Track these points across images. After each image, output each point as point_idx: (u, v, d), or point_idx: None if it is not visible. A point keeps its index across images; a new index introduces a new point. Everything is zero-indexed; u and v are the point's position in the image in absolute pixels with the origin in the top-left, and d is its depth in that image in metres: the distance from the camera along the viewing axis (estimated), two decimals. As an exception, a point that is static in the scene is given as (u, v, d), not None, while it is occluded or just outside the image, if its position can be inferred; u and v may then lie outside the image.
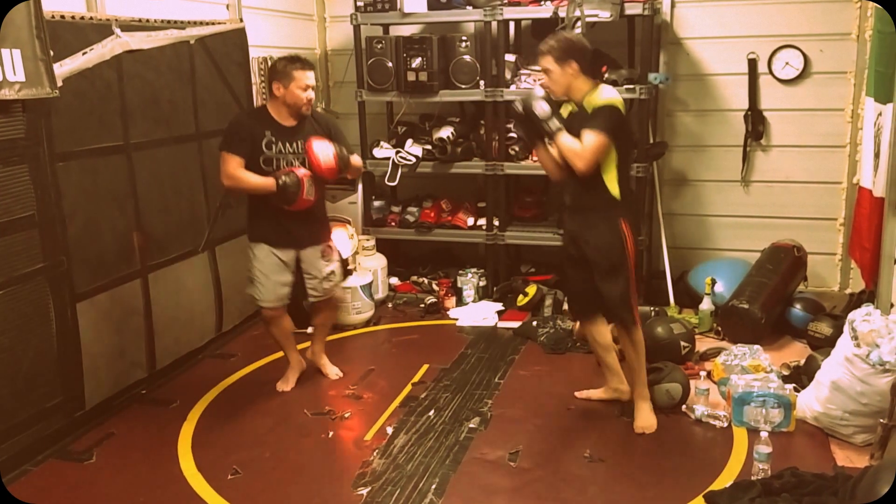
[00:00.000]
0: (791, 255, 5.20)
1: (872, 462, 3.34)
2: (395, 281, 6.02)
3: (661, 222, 5.75)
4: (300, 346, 4.60)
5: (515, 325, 5.26)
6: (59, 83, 3.55)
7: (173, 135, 4.52)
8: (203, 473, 3.54)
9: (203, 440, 3.86)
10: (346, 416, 4.10)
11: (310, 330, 5.15)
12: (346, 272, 5.33)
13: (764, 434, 3.41)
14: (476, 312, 5.50)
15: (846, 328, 3.69)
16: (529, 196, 5.99)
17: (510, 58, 5.47)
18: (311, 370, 4.61)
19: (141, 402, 4.29)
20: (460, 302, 5.70)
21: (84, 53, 3.83)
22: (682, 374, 4.09)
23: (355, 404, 4.24)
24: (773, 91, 5.59)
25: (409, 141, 5.78)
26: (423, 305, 5.67)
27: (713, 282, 5.17)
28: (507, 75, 5.42)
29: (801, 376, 4.16)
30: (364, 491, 3.37)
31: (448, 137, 5.67)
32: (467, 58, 5.45)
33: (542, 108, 3.58)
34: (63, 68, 3.67)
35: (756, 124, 5.63)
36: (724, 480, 3.36)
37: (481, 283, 5.77)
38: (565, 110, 3.74)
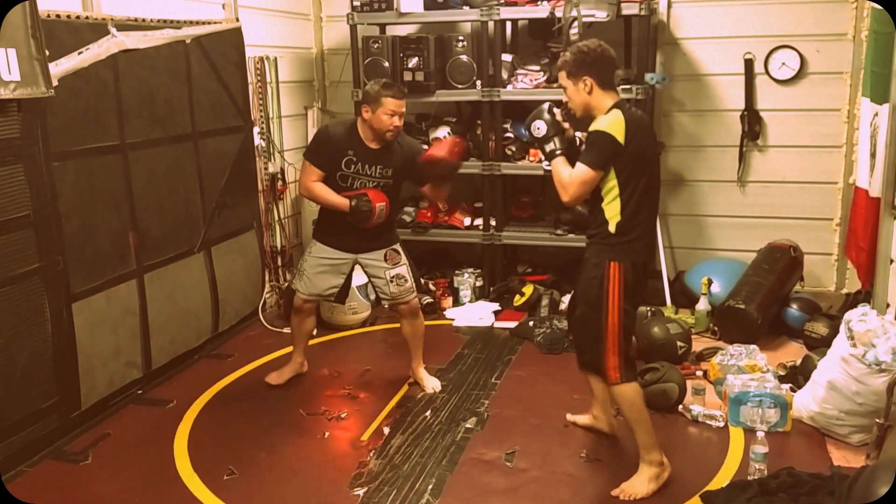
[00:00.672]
0: (787, 255, 5.21)
1: (869, 462, 3.34)
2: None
3: (658, 222, 5.74)
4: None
5: (512, 325, 5.26)
6: (55, 83, 3.54)
7: (169, 135, 4.50)
8: (199, 474, 3.54)
9: (199, 441, 3.85)
10: (343, 416, 4.09)
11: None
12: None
13: (760, 434, 3.42)
14: (473, 312, 5.50)
15: (842, 328, 3.70)
16: (526, 196, 5.99)
17: (507, 58, 5.47)
18: (307, 371, 4.61)
19: (137, 403, 4.28)
20: (457, 302, 5.70)
21: (80, 53, 3.81)
22: (678, 375, 4.10)
23: (351, 404, 4.23)
24: (770, 91, 5.59)
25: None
26: (419, 306, 5.65)
27: (710, 282, 5.18)
28: (504, 75, 5.42)
29: (797, 376, 4.16)
30: (360, 491, 3.37)
31: (445, 137, 5.66)
32: (464, 58, 5.44)
33: (537, 127, 3.37)
34: (59, 68, 3.65)
35: (752, 124, 5.64)
36: (721, 480, 3.37)
37: (478, 284, 5.77)
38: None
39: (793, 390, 3.91)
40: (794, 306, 4.99)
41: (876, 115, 4.55)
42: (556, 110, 3.41)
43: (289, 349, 4.67)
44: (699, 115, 5.79)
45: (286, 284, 5.56)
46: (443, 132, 5.67)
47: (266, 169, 5.55)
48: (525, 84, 5.37)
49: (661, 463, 3.34)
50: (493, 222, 5.70)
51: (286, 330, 5.16)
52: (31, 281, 3.66)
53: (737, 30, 5.56)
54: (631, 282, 3.24)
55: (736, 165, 5.75)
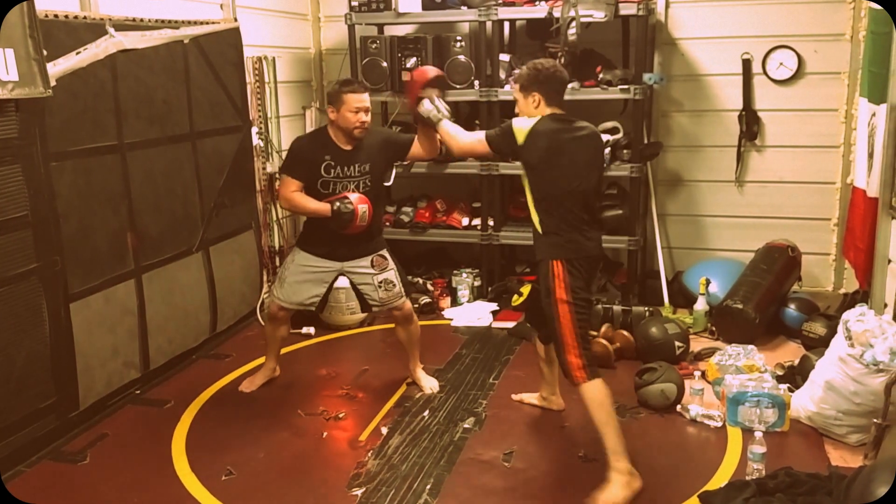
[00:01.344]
0: (785, 255, 5.21)
1: (866, 462, 3.34)
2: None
3: (656, 222, 5.76)
4: (294, 347, 4.58)
5: (510, 325, 5.26)
6: (53, 83, 3.54)
7: (167, 134, 4.50)
8: (197, 474, 3.53)
9: (197, 441, 3.85)
10: (341, 416, 4.09)
11: (304, 330, 5.16)
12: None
13: (758, 434, 3.42)
14: (471, 313, 5.50)
15: (840, 328, 3.70)
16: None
17: (505, 58, 5.47)
18: (300, 372, 4.61)
19: (135, 403, 4.28)
20: (455, 302, 5.70)
21: (78, 53, 3.81)
22: (676, 375, 4.10)
23: (349, 405, 4.23)
24: (768, 91, 5.60)
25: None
26: (417, 306, 5.63)
27: (708, 282, 5.18)
28: (502, 75, 5.42)
29: (795, 376, 4.17)
30: (358, 492, 3.37)
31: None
32: (462, 58, 5.44)
33: (428, 109, 3.78)
34: (56, 68, 3.65)
35: (750, 124, 5.64)
36: (719, 480, 3.37)
37: (476, 284, 5.77)
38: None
39: (791, 390, 3.92)
40: (792, 306, 4.99)
41: (873, 115, 4.56)
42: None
43: (286, 349, 4.68)
44: (697, 116, 5.80)
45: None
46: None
47: (264, 169, 5.55)
48: (523, 84, 5.36)
49: (630, 472, 3.27)
50: (490, 222, 5.70)
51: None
52: (29, 281, 3.65)
53: (735, 30, 5.56)
54: (574, 279, 3.36)
55: (734, 165, 5.75)
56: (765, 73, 5.56)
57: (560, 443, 3.76)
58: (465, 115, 5.90)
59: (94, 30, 3.94)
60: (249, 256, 5.36)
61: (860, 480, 2.75)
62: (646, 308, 5.01)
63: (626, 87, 5.11)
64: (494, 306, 5.58)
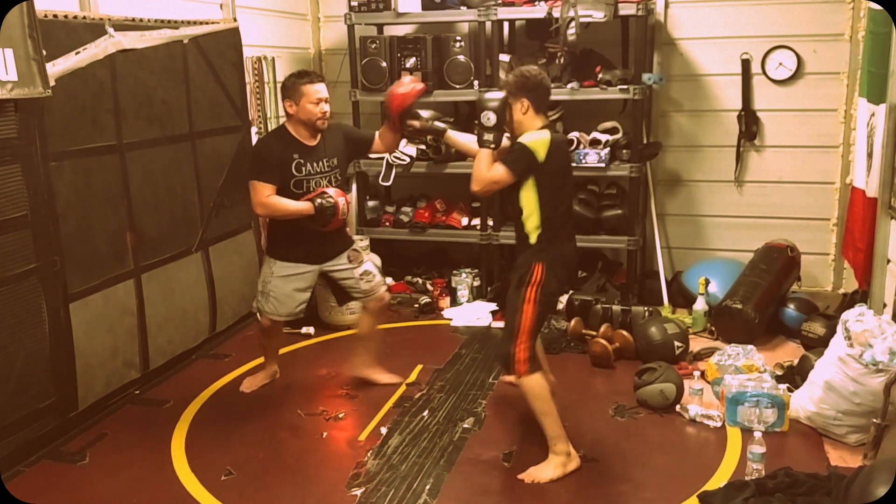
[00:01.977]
0: (784, 255, 5.21)
1: (866, 462, 3.34)
2: (389, 281, 6.01)
3: (655, 222, 5.76)
4: (294, 347, 4.57)
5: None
6: (52, 83, 3.54)
7: (167, 134, 4.50)
8: (196, 474, 3.53)
9: (197, 441, 3.85)
10: (340, 416, 4.09)
11: (304, 330, 5.16)
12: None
13: (758, 434, 3.42)
14: (470, 312, 5.50)
15: (839, 328, 3.70)
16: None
17: (504, 58, 5.47)
18: (300, 372, 4.61)
19: (134, 403, 4.28)
20: (454, 302, 5.70)
21: (77, 53, 3.81)
22: (675, 374, 4.10)
23: (349, 404, 4.23)
24: (767, 91, 5.60)
25: (404, 141, 5.77)
26: (417, 305, 5.66)
27: (707, 282, 5.18)
28: (502, 75, 5.41)
29: (794, 376, 4.17)
30: (358, 491, 3.37)
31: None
32: (461, 58, 5.44)
33: (489, 117, 3.47)
34: (56, 68, 3.65)
35: (750, 125, 5.64)
36: (718, 480, 3.37)
37: (475, 283, 5.77)
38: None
39: (790, 390, 3.92)
40: (792, 306, 4.99)
41: (873, 115, 4.56)
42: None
43: (285, 349, 4.68)
44: (696, 116, 5.80)
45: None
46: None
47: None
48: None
49: (567, 453, 3.48)
50: (490, 222, 5.70)
51: (284, 330, 5.15)
52: (29, 281, 3.65)
53: (734, 30, 5.56)
54: (549, 281, 3.49)
55: (733, 165, 5.75)
56: (764, 73, 5.56)
57: (559, 443, 3.76)
58: (465, 115, 5.90)
59: (93, 30, 3.94)
60: (249, 256, 5.36)
61: (859, 480, 2.75)
62: (645, 308, 5.01)
63: (625, 87, 5.11)
64: (494, 306, 5.57)
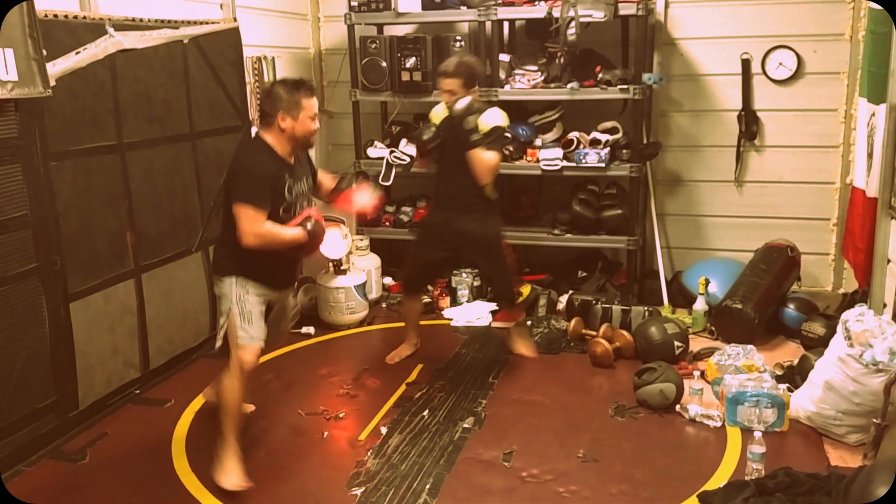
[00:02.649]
0: (784, 255, 5.22)
1: (866, 462, 3.35)
2: (388, 281, 6.01)
3: (655, 222, 5.76)
4: (294, 347, 4.57)
5: (510, 324, 5.25)
6: (53, 82, 3.54)
7: (167, 134, 4.50)
8: (197, 474, 3.53)
9: (197, 440, 3.85)
10: (341, 416, 4.09)
11: (304, 330, 5.16)
12: (340, 272, 5.34)
13: (758, 434, 3.42)
14: (470, 312, 5.50)
15: (839, 328, 3.70)
16: (524, 196, 5.99)
17: (504, 58, 5.47)
18: (300, 372, 4.61)
19: (135, 402, 4.28)
20: (455, 302, 5.70)
21: (77, 53, 3.81)
22: (675, 374, 4.10)
23: (349, 404, 4.24)
24: (767, 91, 5.60)
25: (404, 141, 5.78)
26: (417, 305, 5.66)
27: (707, 282, 5.18)
28: (502, 75, 5.42)
29: (794, 376, 4.17)
30: (358, 491, 3.37)
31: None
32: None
33: (469, 121, 4.18)
34: (56, 68, 3.65)
35: (750, 125, 5.64)
36: (718, 480, 3.37)
37: (476, 283, 5.77)
38: (436, 118, 4.44)
39: (790, 390, 3.92)
40: (792, 306, 4.99)
41: (873, 115, 4.56)
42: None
43: (285, 349, 4.68)
44: (696, 115, 5.80)
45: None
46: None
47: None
48: (523, 84, 5.37)
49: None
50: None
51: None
52: (29, 281, 3.66)
53: (734, 30, 5.56)
54: None
55: (733, 165, 5.75)
56: (764, 73, 5.56)
57: (560, 443, 3.76)
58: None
59: (93, 30, 3.94)
60: (249, 256, 5.36)
61: (859, 480, 2.75)
62: (645, 308, 5.01)
63: (625, 86, 5.11)
64: (494, 306, 5.57)
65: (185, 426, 3.99)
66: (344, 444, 3.82)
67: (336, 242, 5.22)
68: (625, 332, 4.72)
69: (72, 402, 3.93)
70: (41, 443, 3.75)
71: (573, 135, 5.35)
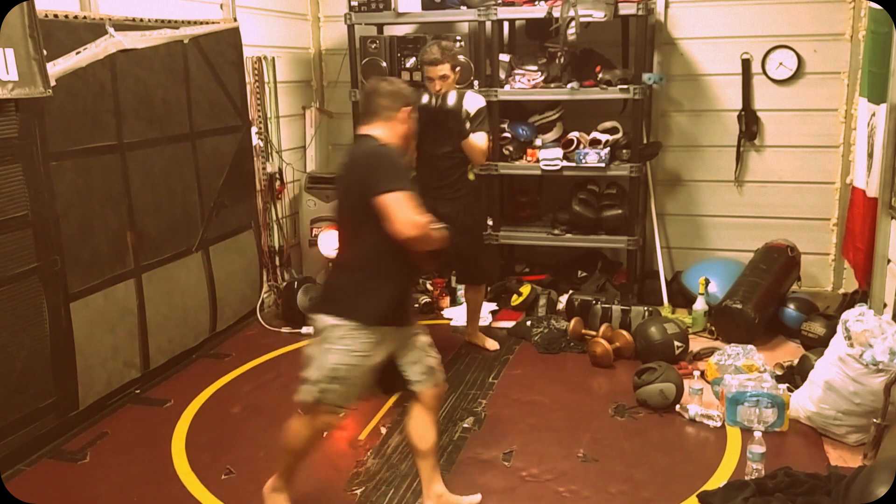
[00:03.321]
0: (784, 255, 5.22)
1: (866, 462, 3.35)
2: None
3: (655, 222, 5.76)
4: (295, 346, 4.56)
5: (510, 324, 5.26)
6: (53, 82, 3.54)
7: (167, 134, 4.51)
8: (197, 473, 3.54)
9: (197, 440, 3.85)
10: (341, 415, 4.08)
11: (304, 330, 5.16)
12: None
13: (757, 434, 3.42)
14: (470, 312, 5.49)
15: (839, 328, 3.70)
16: (524, 196, 5.99)
17: (504, 58, 5.46)
18: (299, 372, 4.61)
19: (135, 402, 4.28)
20: (455, 302, 5.70)
21: (77, 53, 3.81)
22: (675, 374, 4.10)
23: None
24: (767, 91, 5.60)
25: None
26: (417, 305, 5.65)
27: (707, 282, 5.18)
28: (502, 75, 5.42)
29: (794, 376, 4.17)
30: (358, 491, 3.38)
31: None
32: (461, 58, 5.43)
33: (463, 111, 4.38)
34: (56, 67, 3.65)
35: (750, 124, 5.64)
36: (718, 480, 3.37)
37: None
38: None
39: (790, 390, 3.92)
40: (792, 306, 4.99)
41: (873, 115, 4.56)
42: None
43: (285, 349, 4.69)
44: (696, 115, 5.80)
45: (284, 284, 5.56)
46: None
47: (264, 169, 5.55)
48: (523, 84, 5.37)
49: None
50: (490, 222, 5.69)
51: (284, 330, 5.17)
52: (30, 280, 3.66)
53: (734, 30, 5.56)
54: None
55: (733, 165, 5.75)
56: (764, 72, 5.56)
57: (560, 443, 3.76)
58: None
59: (93, 30, 3.94)
60: (249, 256, 5.37)
61: (859, 480, 2.75)
62: (645, 308, 5.01)
63: (625, 86, 5.11)
64: (494, 306, 5.58)
65: (185, 426, 3.99)
66: (344, 444, 3.82)
67: (336, 242, 5.21)
68: (625, 332, 4.72)
69: (72, 401, 3.93)
70: (41, 442, 3.75)
71: (573, 135, 5.34)
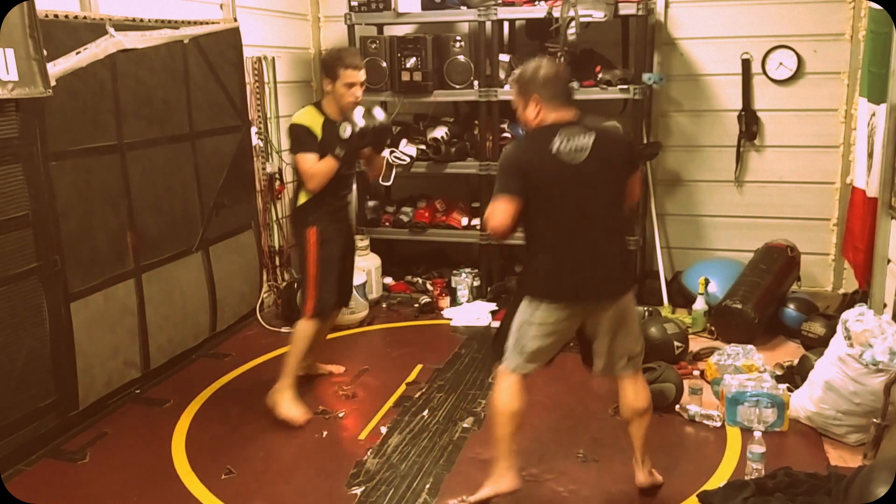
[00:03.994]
0: (784, 255, 5.22)
1: (865, 462, 3.35)
2: (389, 281, 6.02)
3: (655, 222, 5.76)
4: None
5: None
6: (53, 82, 3.54)
7: (167, 134, 4.51)
8: (197, 473, 3.54)
9: (197, 440, 3.85)
10: (341, 415, 4.10)
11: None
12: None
13: (757, 434, 3.42)
14: (470, 312, 5.50)
15: (839, 328, 3.70)
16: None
17: (504, 58, 5.47)
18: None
19: (135, 402, 4.28)
20: (454, 302, 5.71)
21: (78, 53, 3.81)
22: (675, 374, 4.10)
23: (349, 404, 4.24)
24: (767, 91, 5.60)
25: (404, 141, 5.75)
26: (417, 305, 5.66)
27: (707, 282, 5.18)
28: (502, 75, 5.42)
29: (794, 376, 4.17)
30: (358, 490, 3.37)
31: (442, 137, 5.67)
32: (461, 58, 5.45)
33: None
34: (56, 68, 3.65)
35: (750, 124, 5.64)
36: (718, 480, 3.37)
37: (475, 283, 5.77)
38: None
39: (790, 390, 3.92)
40: (792, 306, 4.99)
41: (873, 115, 4.56)
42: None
43: (285, 349, 4.69)
44: (696, 115, 5.80)
45: (283, 284, 5.56)
46: (440, 132, 5.66)
47: (264, 169, 5.55)
48: (523, 84, 5.36)
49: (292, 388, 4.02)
50: (490, 222, 5.69)
51: (284, 329, 5.17)
52: (30, 280, 3.66)
53: (734, 30, 5.57)
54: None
55: (733, 165, 5.75)
56: (764, 72, 5.56)
57: (560, 443, 3.76)
58: (465, 115, 5.91)
59: (94, 30, 3.94)
60: (249, 256, 5.37)
61: (859, 480, 2.75)
62: (645, 308, 5.02)
63: (625, 86, 5.11)
64: (493, 306, 5.58)
65: (185, 426, 3.99)
66: (344, 444, 3.82)
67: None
68: (625, 332, 4.71)
69: (72, 401, 3.93)
70: (41, 442, 3.75)
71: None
